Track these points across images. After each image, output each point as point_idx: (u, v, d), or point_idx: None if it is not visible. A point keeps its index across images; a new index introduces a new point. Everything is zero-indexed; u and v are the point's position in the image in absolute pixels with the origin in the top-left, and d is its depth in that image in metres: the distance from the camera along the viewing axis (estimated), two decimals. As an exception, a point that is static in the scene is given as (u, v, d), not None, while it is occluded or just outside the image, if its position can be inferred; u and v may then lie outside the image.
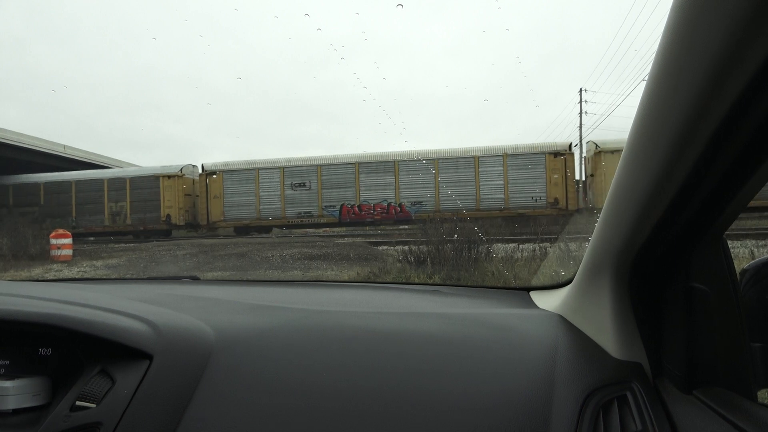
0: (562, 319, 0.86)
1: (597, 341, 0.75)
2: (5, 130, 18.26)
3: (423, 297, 1.19)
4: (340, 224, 16.49)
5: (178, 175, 17.68)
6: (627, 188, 0.57)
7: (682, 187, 0.50)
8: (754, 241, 6.88)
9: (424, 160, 16.08)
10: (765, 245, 6.68)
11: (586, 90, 29.15)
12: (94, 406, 0.68)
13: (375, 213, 16.23)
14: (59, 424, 0.67)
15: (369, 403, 0.67)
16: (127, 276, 7.20)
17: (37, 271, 8.42)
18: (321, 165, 16.65)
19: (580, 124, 28.28)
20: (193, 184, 18.13)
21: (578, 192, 15.88)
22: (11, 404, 0.72)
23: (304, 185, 16.66)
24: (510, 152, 15.60)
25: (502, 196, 15.62)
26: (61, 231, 10.41)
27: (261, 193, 16.90)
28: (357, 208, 16.31)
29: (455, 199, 15.83)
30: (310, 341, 0.80)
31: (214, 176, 17.12)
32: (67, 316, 0.78)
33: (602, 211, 0.66)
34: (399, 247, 7.89)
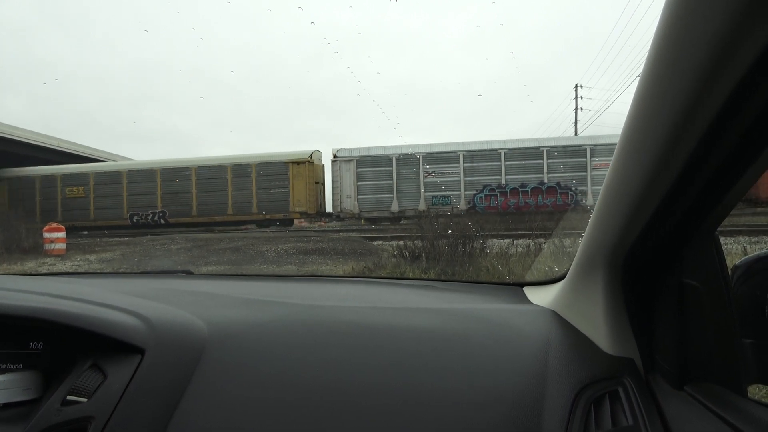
0: (555, 315, 0.86)
1: (589, 336, 0.75)
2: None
3: (417, 292, 1.19)
4: None
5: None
6: (619, 184, 0.57)
7: (674, 182, 0.50)
8: (746, 238, 6.93)
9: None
10: (757, 242, 6.74)
11: (581, 86, 29.32)
12: (85, 400, 0.68)
13: None
14: (50, 419, 0.66)
15: (362, 397, 0.67)
16: (121, 270, 7.16)
17: (30, 265, 8.36)
18: None
19: (576, 120, 28.49)
20: None
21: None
22: (1, 398, 0.72)
23: None
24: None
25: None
26: (54, 225, 10.28)
27: None
28: None
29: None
30: (304, 335, 0.80)
31: None
32: (58, 310, 0.77)
33: (595, 207, 0.66)
34: (394, 243, 7.87)
